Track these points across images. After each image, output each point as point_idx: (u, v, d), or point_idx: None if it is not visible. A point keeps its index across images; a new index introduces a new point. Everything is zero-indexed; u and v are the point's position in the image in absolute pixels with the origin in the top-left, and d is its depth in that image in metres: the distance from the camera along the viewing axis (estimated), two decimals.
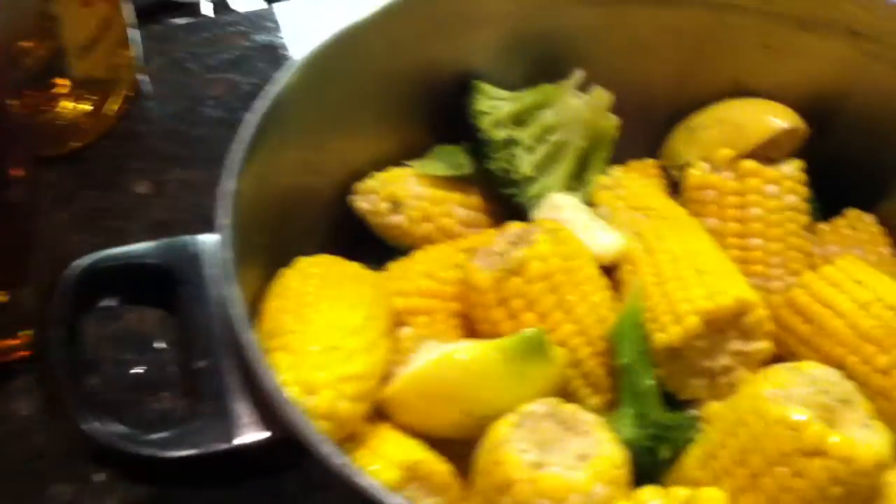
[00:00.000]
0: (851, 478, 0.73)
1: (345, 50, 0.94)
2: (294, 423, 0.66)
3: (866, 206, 1.09)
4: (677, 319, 0.88)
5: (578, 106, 1.05)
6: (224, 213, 0.77)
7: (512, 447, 0.74)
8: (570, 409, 0.78)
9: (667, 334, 0.88)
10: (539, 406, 0.78)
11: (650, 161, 1.14)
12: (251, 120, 0.83)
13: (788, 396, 0.76)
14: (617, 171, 1.07)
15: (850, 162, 1.09)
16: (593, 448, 0.75)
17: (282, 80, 0.88)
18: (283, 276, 0.89)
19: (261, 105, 0.85)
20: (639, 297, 0.91)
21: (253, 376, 0.69)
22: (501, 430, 0.76)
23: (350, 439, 0.78)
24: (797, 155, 1.06)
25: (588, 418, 0.78)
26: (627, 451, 0.80)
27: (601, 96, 1.05)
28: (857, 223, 1.08)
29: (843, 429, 0.75)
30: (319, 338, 0.78)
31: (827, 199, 1.10)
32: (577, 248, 0.91)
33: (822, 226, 1.08)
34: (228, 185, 0.78)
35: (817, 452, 0.73)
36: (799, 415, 0.74)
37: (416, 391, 0.82)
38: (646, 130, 1.15)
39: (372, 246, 1.04)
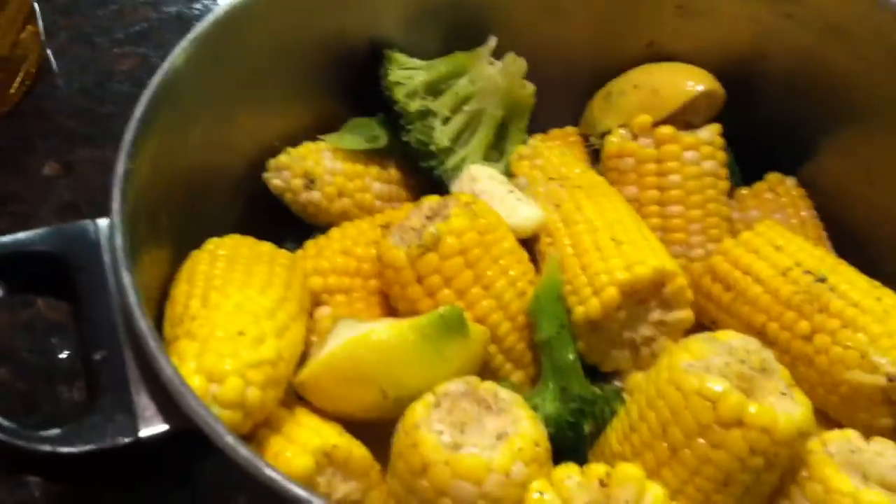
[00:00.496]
0: (772, 448, 0.73)
1: (243, 21, 0.91)
2: (195, 415, 0.64)
3: (788, 170, 1.09)
4: (596, 292, 0.87)
5: (493, 74, 1.03)
6: (117, 198, 0.73)
7: (428, 429, 0.72)
8: (488, 387, 0.76)
9: (586, 307, 0.87)
10: (456, 385, 0.76)
11: (571, 129, 1.13)
12: (144, 98, 0.80)
13: (705, 367, 0.75)
14: (536, 141, 1.05)
15: (770, 124, 1.08)
16: (511, 427, 0.74)
17: (174, 56, 0.85)
18: (191, 259, 0.86)
19: (153, 82, 0.81)
20: (556, 271, 0.89)
21: (151, 367, 0.66)
22: (418, 412, 0.74)
23: (264, 425, 0.76)
24: (716, 119, 1.05)
25: (506, 396, 0.76)
26: (548, 428, 0.79)
27: (515, 63, 1.03)
28: (778, 187, 1.07)
29: (761, 398, 0.74)
30: (226, 323, 0.75)
31: (748, 164, 1.09)
32: (494, 222, 0.89)
33: (743, 191, 1.08)
34: (121, 167, 0.75)
35: (736, 423, 0.72)
36: (716, 385, 0.73)
37: (331, 373, 0.80)
38: (567, 97, 1.13)
39: (293, 223, 1.01)
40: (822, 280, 0.87)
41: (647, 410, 0.78)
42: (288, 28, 0.96)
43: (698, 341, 0.78)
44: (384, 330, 0.80)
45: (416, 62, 1.04)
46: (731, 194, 1.05)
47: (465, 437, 0.73)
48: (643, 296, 0.88)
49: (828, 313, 0.86)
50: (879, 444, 0.79)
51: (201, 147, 0.91)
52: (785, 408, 0.74)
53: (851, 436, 0.79)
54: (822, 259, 0.91)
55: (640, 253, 0.88)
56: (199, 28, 0.88)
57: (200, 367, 0.71)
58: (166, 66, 0.85)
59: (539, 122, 1.11)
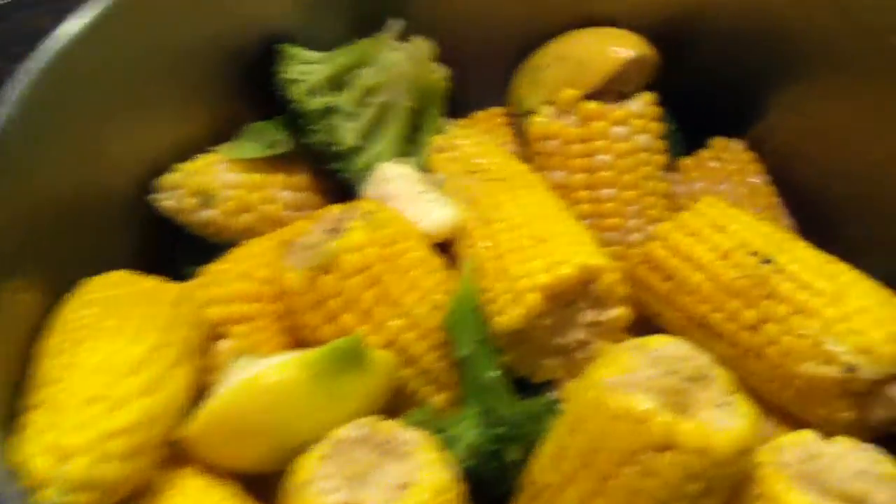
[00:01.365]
0: (710, 470, 0.64)
1: (95, 38, 0.81)
2: None
3: (735, 133, 0.99)
4: (517, 298, 0.77)
5: (399, 60, 0.93)
6: None
7: (317, 488, 0.64)
8: (387, 428, 0.68)
9: (506, 317, 0.78)
10: (352, 430, 0.67)
11: (496, 110, 1.03)
12: None
13: (631, 383, 0.66)
14: (453, 129, 0.95)
15: (714, 85, 0.99)
16: (415, 474, 0.65)
17: (28, 72, 0.76)
18: (62, 306, 0.77)
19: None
20: (472, 278, 0.80)
21: None
22: (306, 468, 0.65)
23: (141, 495, 0.67)
24: (654, 83, 0.95)
25: (410, 437, 0.67)
26: (469, 460, 0.72)
27: (421, 46, 0.93)
28: (724, 153, 0.98)
29: (696, 413, 0.65)
30: (84, 386, 0.66)
31: (692, 130, 1.00)
32: (401, 230, 0.80)
33: (686, 161, 0.98)
34: None
35: (667, 446, 0.63)
36: (643, 404, 0.64)
37: (217, 426, 0.71)
38: (496, 73, 1.04)
39: (196, 245, 0.92)
40: (768, 261, 0.78)
41: (572, 435, 0.69)
42: (160, 32, 0.86)
43: (624, 351, 0.69)
44: (273, 371, 0.71)
45: (315, 55, 0.94)
46: (672, 166, 0.95)
47: (364, 490, 0.65)
48: (571, 297, 0.79)
49: (776, 298, 0.77)
50: (840, 444, 0.70)
51: (69, 172, 0.82)
52: (722, 422, 0.65)
53: (808, 439, 0.71)
54: (769, 236, 0.81)
55: (564, 250, 0.79)
56: (61, 40, 0.78)
57: (49, 444, 0.62)
58: (18, 88, 0.76)
59: (467, 103, 1.02)
